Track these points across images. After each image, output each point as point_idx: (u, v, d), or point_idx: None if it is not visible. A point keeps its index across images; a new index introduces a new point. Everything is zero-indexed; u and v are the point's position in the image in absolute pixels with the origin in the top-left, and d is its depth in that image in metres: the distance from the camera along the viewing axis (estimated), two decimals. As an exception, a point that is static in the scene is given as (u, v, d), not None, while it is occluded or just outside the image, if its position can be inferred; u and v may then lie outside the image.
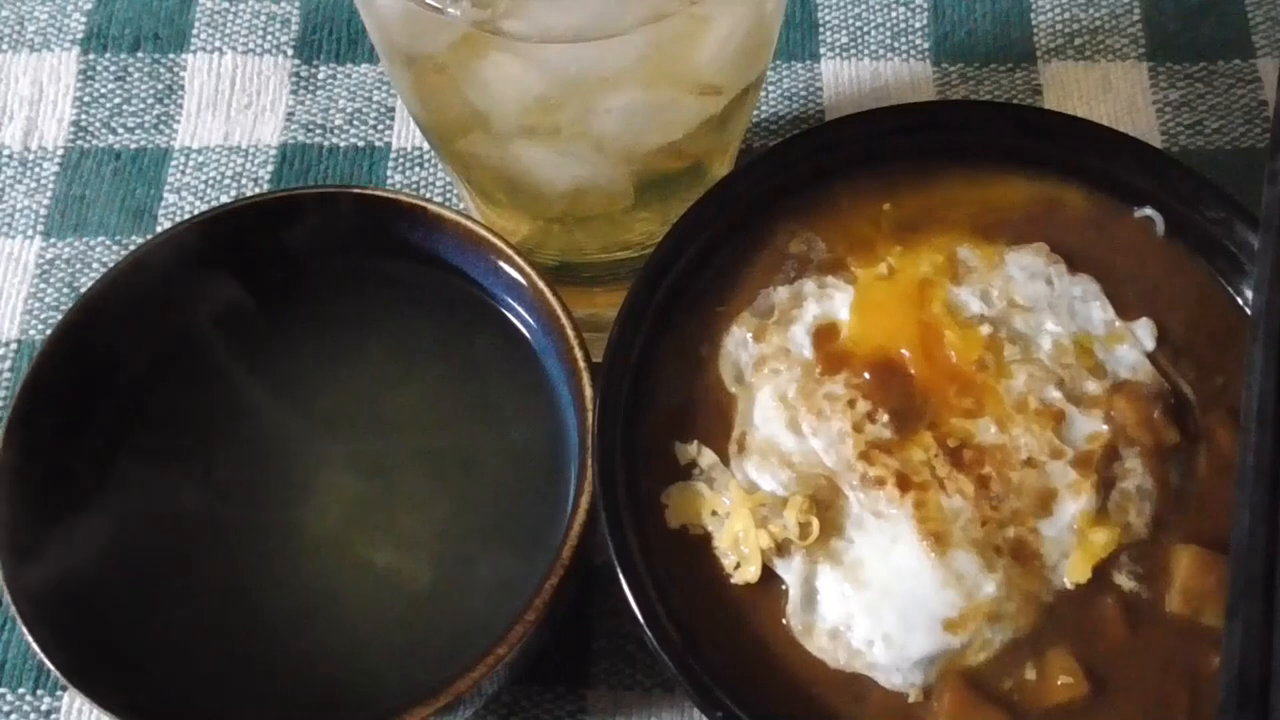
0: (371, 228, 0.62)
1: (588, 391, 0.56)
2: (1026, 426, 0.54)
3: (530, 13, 0.50)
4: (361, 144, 0.81)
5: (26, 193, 0.79)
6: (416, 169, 0.80)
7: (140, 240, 0.74)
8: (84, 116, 0.82)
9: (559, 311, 0.58)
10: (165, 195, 0.79)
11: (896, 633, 0.51)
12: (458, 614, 0.57)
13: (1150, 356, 0.56)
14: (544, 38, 0.51)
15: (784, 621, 0.52)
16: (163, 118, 0.82)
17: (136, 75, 0.83)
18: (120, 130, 0.81)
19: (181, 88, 0.83)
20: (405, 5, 0.52)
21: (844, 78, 0.83)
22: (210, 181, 0.79)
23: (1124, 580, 0.52)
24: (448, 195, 0.79)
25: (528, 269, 0.59)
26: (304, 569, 0.58)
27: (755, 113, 0.80)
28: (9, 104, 0.82)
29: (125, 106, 0.82)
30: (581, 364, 0.57)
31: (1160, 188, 0.60)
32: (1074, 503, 0.52)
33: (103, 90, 0.82)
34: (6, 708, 0.64)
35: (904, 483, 0.53)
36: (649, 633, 0.51)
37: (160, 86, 0.83)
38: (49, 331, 0.60)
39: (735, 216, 0.60)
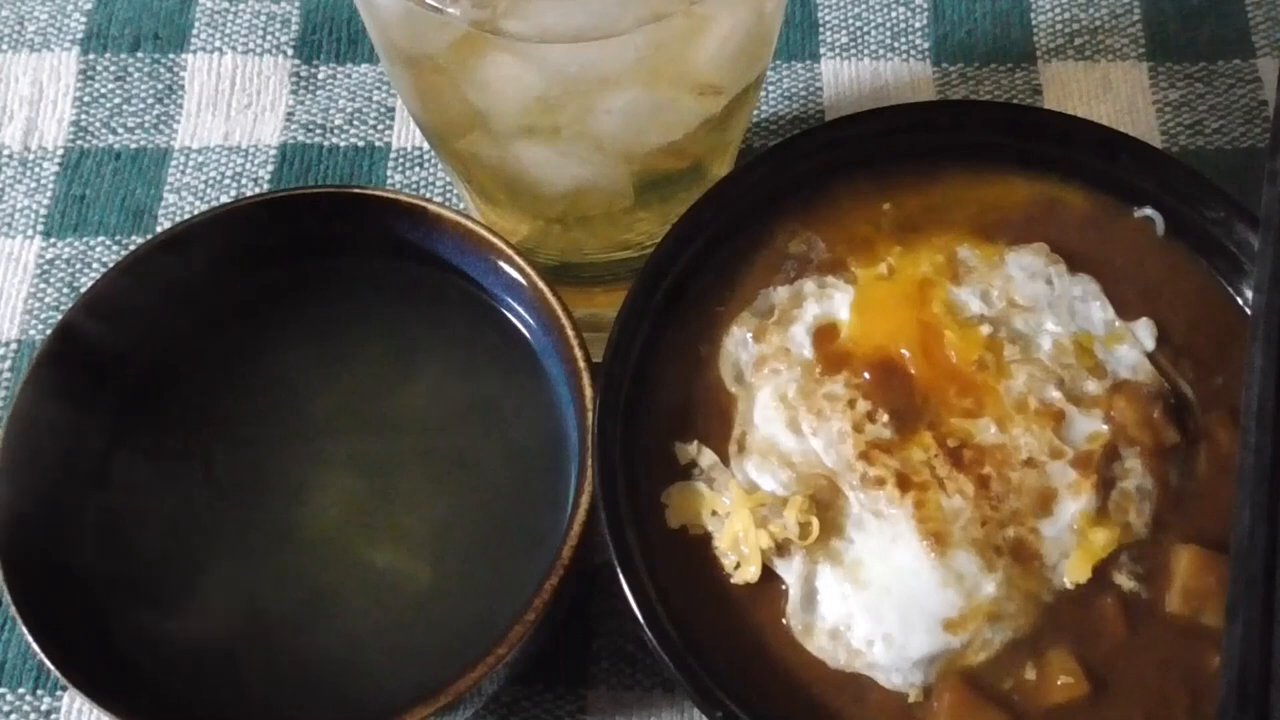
0: (371, 228, 0.62)
1: (588, 391, 0.56)
2: (1026, 426, 0.54)
3: (530, 13, 0.50)
4: (361, 144, 0.81)
5: (26, 193, 0.79)
6: (416, 169, 0.80)
7: (140, 240, 0.75)
8: (84, 116, 0.82)
9: (559, 311, 0.58)
10: (165, 195, 0.79)
11: (896, 633, 0.51)
12: (458, 614, 0.57)
13: (1150, 356, 0.56)
14: (544, 38, 0.51)
15: (784, 621, 0.52)
16: (163, 118, 0.82)
17: (136, 75, 0.83)
18: (120, 130, 0.81)
19: (181, 88, 0.83)
20: (405, 5, 0.52)
21: (844, 78, 0.83)
22: (210, 181, 0.79)
23: (1124, 580, 0.52)
24: (448, 195, 0.79)
25: (528, 269, 0.59)
26: (304, 569, 0.58)
27: (755, 113, 0.79)
28: (9, 104, 0.82)
29: (125, 106, 0.82)
30: (581, 364, 0.57)
31: (1160, 188, 0.60)
32: (1074, 503, 0.52)
33: (103, 90, 0.82)
34: (6, 708, 0.64)
35: (904, 483, 0.52)
36: (649, 633, 0.50)
37: (160, 86, 0.83)
38: (49, 331, 0.60)
39: (735, 216, 0.59)
